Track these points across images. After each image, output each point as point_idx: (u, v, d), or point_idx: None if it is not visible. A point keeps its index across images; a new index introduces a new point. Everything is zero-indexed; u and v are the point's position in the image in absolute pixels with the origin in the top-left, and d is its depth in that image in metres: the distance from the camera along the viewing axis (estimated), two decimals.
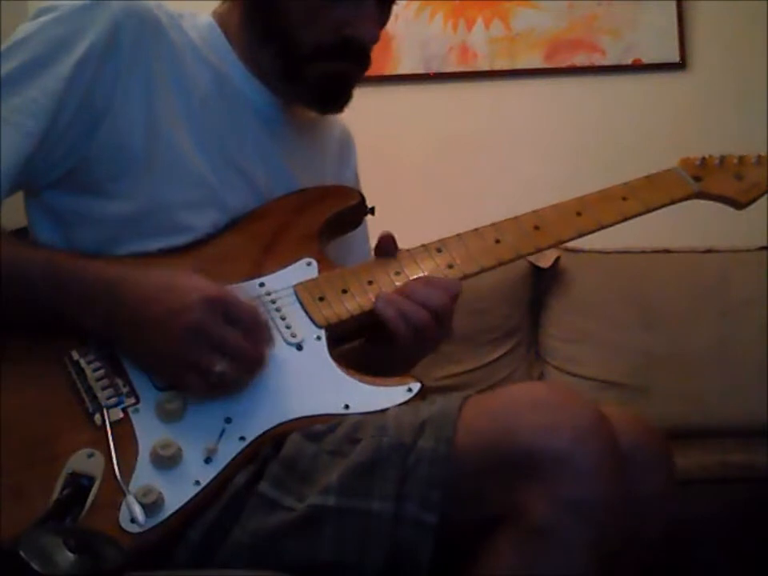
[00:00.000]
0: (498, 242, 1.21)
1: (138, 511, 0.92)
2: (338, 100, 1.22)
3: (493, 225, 1.23)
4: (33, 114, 1.06)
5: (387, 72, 2.68)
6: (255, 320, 1.03)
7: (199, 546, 0.97)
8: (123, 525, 0.93)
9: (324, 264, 1.17)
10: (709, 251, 2.43)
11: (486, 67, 2.70)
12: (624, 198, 1.27)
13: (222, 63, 1.21)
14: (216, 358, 0.99)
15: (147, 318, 1.00)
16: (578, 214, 1.25)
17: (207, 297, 1.00)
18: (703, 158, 1.34)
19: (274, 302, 1.12)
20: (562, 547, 0.90)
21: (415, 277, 1.16)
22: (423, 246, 1.20)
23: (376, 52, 1.22)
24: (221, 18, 1.24)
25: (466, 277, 1.18)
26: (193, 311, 0.99)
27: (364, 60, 1.21)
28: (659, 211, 1.29)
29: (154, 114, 1.12)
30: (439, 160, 2.68)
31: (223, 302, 1.01)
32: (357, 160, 1.42)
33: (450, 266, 1.18)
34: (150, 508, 0.94)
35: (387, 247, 1.19)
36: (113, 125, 1.10)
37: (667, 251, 2.44)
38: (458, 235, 1.22)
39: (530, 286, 2.44)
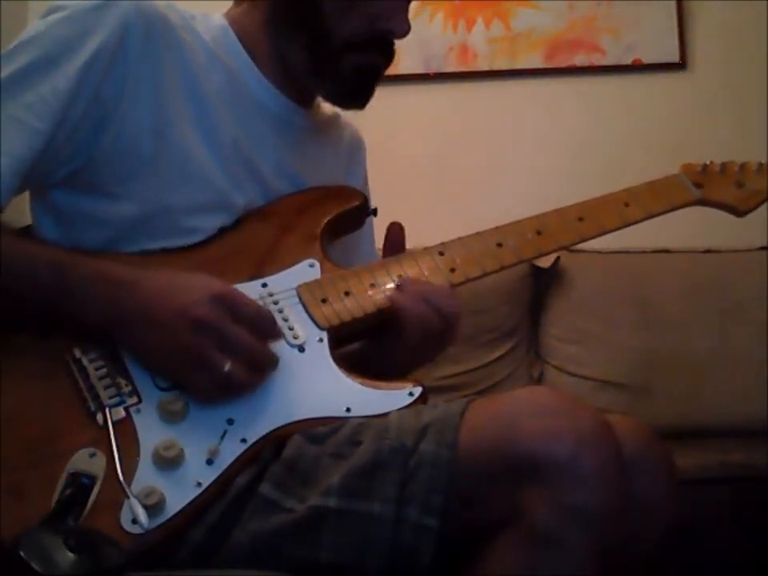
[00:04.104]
0: (500, 245, 1.21)
1: (141, 514, 0.92)
2: (364, 93, 1.22)
3: (495, 228, 1.23)
4: (42, 113, 1.05)
5: (387, 72, 2.67)
6: (264, 318, 1.03)
7: (200, 547, 0.97)
8: (124, 525, 0.92)
9: (327, 265, 1.16)
10: (709, 251, 2.43)
11: (485, 67, 2.70)
12: (626, 204, 1.28)
13: (235, 65, 1.21)
14: (224, 357, 0.98)
15: (155, 316, 0.99)
16: (580, 219, 1.25)
17: (215, 293, 1.00)
18: (705, 165, 1.34)
19: (276, 302, 1.11)
20: (564, 552, 0.90)
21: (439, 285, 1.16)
22: (426, 248, 1.20)
23: None
24: (234, 20, 1.24)
25: (468, 280, 1.19)
26: (201, 306, 0.99)
27: (391, 53, 1.22)
28: None
29: (162, 116, 1.11)
30: (439, 160, 2.68)
31: (231, 298, 1.01)
32: (366, 163, 1.42)
33: (453, 270, 1.18)
34: (152, 509, 0.93)
35: (396, 237, 1.20)
36: (120, 126, 1.09)
37: (667, 251, 2.44)
38: (460, 238, 1.21)
39: (529, 286, 2.44)
